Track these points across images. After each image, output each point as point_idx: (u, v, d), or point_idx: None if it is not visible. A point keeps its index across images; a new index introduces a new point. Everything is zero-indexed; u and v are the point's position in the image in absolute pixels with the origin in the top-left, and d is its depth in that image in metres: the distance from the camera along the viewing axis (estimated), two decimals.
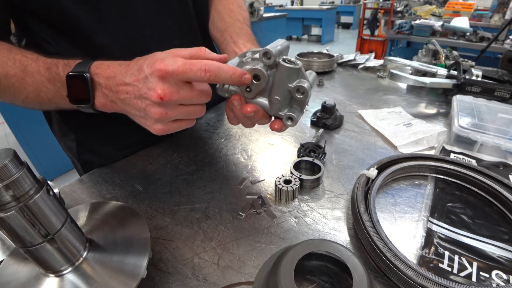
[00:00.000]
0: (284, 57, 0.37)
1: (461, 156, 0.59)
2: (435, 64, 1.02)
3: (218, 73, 0.34)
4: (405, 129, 0.69)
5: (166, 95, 0.34)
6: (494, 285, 0.35)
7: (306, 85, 0.36)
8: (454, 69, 0.89)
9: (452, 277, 0.35)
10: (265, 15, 4.30)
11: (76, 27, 0.51)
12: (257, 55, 0.38)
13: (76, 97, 0.41)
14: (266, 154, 0.63)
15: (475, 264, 0.37)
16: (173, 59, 0.34)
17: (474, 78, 0.84)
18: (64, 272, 0.31)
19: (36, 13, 0.49)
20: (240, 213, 0.46)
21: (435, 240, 0.40)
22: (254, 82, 0.37)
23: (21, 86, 0.45)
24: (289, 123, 0.39)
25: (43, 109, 0.50)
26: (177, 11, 0.60)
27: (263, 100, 0.39)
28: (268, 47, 0.36)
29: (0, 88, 0.46)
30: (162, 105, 0.35)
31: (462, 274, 0.36)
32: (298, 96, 0.37)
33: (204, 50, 0.38)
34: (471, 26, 2.93)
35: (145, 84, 0.35)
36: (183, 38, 0.63)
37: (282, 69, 0.36)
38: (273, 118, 0.42)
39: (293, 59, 0.37)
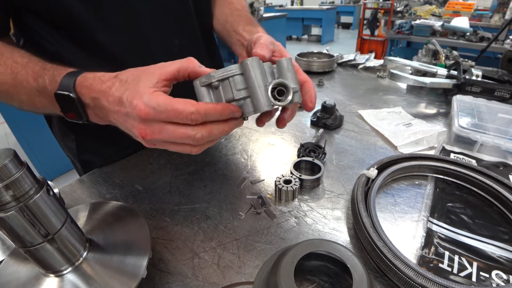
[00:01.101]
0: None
1: (461, 156, 0.59)
2: (435, 64, 1.02)
3: (206, 118, 0.33)
4: (405, 129, 0.69)
5: (147, 135, 0.33)
6: (494, 285, 0.35)
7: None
8: (454, 69, 0.89)
9: (452, 277, 0.35)
10: (265, 15, 4.30)
11: (76, 25, 0.51)
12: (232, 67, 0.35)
13: (69, 114, 0.40)
14: (266, 154, 0.63)
15: (475, 264, 0.37)
16: (155, 99, 0.31)
17: (474, 78, 0.84)
18: (64, 272, 0.31)
19: (37, 12, 0.49)
20: (240, 213, 0.46)
21: (435, 240, 0.40)
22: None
23: (14, 93, 0.44)
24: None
25: (40, 114, 0.50)
26: (177, 10, 0.60)
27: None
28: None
29: None
30: (147, 141, 0.35)
31: (462, 274, 0.36)
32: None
33: (192, 62, 0.35)
34: (471, 26, 2.93)
35: (128, 120, 0.34)
36: (183, 37, 0.63)
37: (250, 72, 0.33)
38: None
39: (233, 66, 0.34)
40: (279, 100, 0.34)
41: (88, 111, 0.40)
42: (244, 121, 0.38)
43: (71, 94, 0.37)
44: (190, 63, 0.35)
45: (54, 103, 0.40)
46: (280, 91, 0.34)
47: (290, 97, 0.34)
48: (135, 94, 0.33)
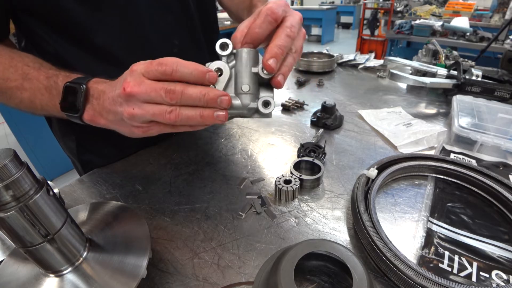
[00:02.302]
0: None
1: (461, 156, 0.59)
2: (435, 64, 1.02)
3: (176, 68, 0.33)
4: (405, 129, 0.69)
5: (128, 86, 0.34)
6: (494, 285, 0.35)
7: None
8: (454, 69, 0.89)
9: (452, 277, 0.35)
10: None
11: (76, 27, 0.51)
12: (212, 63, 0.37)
13: (67, 105, 0.42)
14: (266, 154, 0.63)
15: (475, 264, 0.37)
16: (145, 61, 0.35)
17: (474, 78, 0.84)
18: (64, 272, 0.31)
19: (36, 13, 0.49)
20: (240, 213, 0.46)
21: (435, 240, 0.40)
22: (218, 77, 0.36)
23: (18, 90, 0.45)
24: (268, 107, 0.37)
25: (33, 114, 0.51)
26: (177, 10, 0.60)
27: (234, 101, 0.37)
28: (220, 40, 0.36)
29: None
30: (128, 101, 0.35)
31: (462, 274, 0.36)
32: (266, 74, 0.36)
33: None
34: (471, 26, 2.93)
35: (119, 82, 0.36)
36: (184, 37, 0.63)
37: (243, 53, 0.36)
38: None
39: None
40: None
41: (87, 106, 0.41)
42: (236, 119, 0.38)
43: (82, 85, 0.40)
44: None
45: (56, 99, 0.42)
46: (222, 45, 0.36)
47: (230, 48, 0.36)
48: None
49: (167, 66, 0.33)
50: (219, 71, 0.36)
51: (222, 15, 3.25)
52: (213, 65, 0.36)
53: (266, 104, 0.37)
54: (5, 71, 0.45)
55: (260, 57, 0.37)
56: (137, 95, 0.34)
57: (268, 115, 0.38)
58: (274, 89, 0.39)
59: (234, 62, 0.37)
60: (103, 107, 0.39)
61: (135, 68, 0.35)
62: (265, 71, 0.35)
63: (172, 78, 0.34)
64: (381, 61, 1.20)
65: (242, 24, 0.38)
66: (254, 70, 0.36)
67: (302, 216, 0.46)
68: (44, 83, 0.44)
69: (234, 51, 0.36)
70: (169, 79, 0.34)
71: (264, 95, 0.38)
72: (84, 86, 0.40)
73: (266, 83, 0.38)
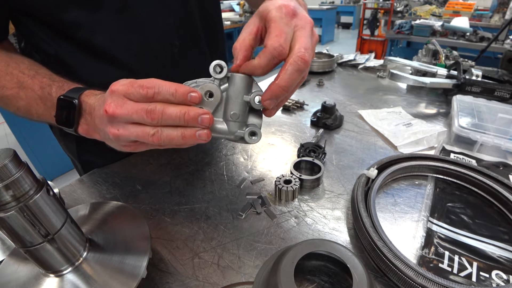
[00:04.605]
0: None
1: (461, 156, 0.59)
2: (435, 64, 1.02)
3: (157, 90, 0.33)
4: (405, 129, 0.69)
5: (110, 108, 0.34)
6: (494, 285, 0.35)
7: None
8: (454, 69, 0.89)
9: (452, 277, 0.35)
10: None
11: (75, 28, 0.50)
12: (203, 79, 0.36)
13: (62, 120, 0.42)
14: (266, 154, 0.63)
15: (475, 264, 0.37)
16: (125, 80, 0.35)
17: (474, 78, 0.84)
18: (64, 272, 0.31)
19: (35, 15, 0.49)
20: (240, 213, 0.46)
21: (435, 240, 0.40)
22: (207, 100, 0.35)
23: (14, 99, 0.45)
24: (254, 138, 0.36)
25: (31, 121, 0.51)
26: (177, 10, 0.60)
27: (221, 126, 0.36)
28: (215, 62, 0.34)
29: None
30: (111, 122, 0.35)
31: (462, 274, 0.36)
32: (258, 105, 0.35)
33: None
34: (471, 26, 2.93)
35: (101, 104, 0.36)
36: (184, 38, 0.63)
37: (237, 79, 0.34)
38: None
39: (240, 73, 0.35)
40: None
41: (81, 121, 0.41)
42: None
43: (73, 101, 0.40)
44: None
45: (51, 110, 0.43)
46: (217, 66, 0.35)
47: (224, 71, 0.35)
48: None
49: (148, 89, 0.33)
50: (210, 95, 0.35)
51: (223, 15, 3.24)
52: (205, 87, 0.34)
53: (253, 134, 0.36)
54: (1, 78, 0.45)
55: (255, 86, 0.35)
56: (119, 116, 0.34)
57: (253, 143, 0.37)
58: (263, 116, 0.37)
59: (226, 85, 0.35)
60: (94, 124, 0.39)
61: (114, 89, 0.34)
62: (258, 103, 0.35)
63: (154, 101, 0.33)
64: (381, 61, 1.20)
65: (244, 31, 0.37)
66: (246, 98, 0.35)
67: (302, 216, 0.46)
68: (39, 93, 0.44)
69: (229, 74, 0.35)
70: (151, 102, 0.33)
71: (252, 121, 0.37)
72: (76, 101, 0.40)
73: (256, 110, 0.37)
